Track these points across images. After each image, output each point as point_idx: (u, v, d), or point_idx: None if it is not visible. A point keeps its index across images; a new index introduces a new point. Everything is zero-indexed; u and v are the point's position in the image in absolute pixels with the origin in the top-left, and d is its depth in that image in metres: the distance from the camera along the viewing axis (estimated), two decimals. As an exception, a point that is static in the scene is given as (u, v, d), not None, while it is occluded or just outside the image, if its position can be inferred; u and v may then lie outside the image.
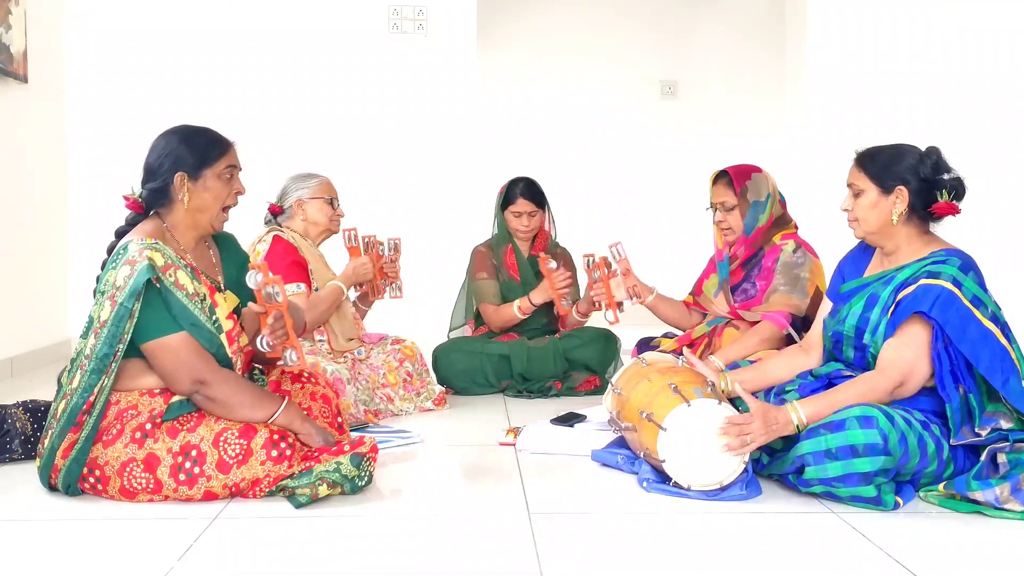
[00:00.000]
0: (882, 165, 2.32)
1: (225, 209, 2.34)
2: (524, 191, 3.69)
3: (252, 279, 2.18)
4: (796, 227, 3.12)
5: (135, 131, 4.42)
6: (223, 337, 2.27)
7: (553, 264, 3.51)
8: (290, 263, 3.07)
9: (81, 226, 4.78)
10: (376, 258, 3.37)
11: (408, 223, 5.03)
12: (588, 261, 3.32)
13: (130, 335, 2.14)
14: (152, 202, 2.31)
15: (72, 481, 2.18)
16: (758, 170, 3.08)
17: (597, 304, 3.32)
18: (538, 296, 3.62)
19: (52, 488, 2.24)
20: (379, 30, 5.02)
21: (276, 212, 3.27)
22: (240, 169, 2.37)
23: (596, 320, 4.11)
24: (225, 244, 2.47)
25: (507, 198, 3.73)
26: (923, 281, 2.21)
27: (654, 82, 6.64)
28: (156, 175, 2.27)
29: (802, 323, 2.96)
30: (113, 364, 2.14)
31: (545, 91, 6.59)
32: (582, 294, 3.56)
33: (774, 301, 2.97)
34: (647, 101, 6.64)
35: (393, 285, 3.43)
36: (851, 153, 2.42)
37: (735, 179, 3.03)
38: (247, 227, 3.27)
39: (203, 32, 4.92)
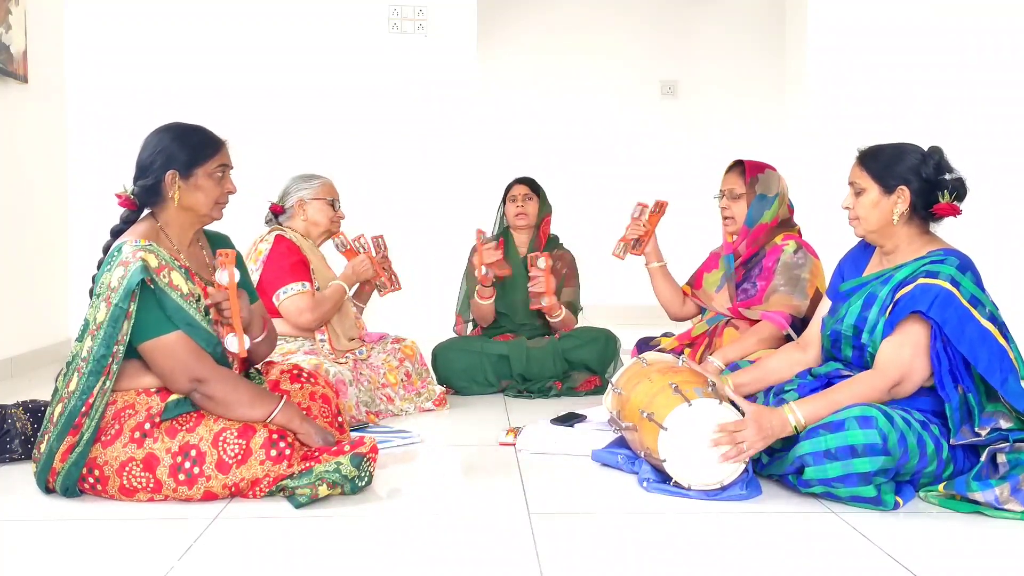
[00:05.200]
0: (884, 164, 2.31)
1: (218, 204, 2.33)
2: (520, 179, 3.86)
3: (220, 276, 2.23)
4: (800, 231, 3.13)
5: (135, 131, 4.36)
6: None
7: (541, 263, 3.54)
8: (295, 262, 3.08)
9: (81, 226, 4.79)
10: (369, 257, 3.42)
11: (408, 223, 5.04)
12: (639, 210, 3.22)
13: (128, 336, 2.13)
14: (144, 200, 2.30)
15: (71, 483, 2.17)
16: (773, 169, 3.12)
17: (627, 242, 3.23)
18: (490, 270, 3.59)
19: (49, 491, 2.23)
20: (379, 30, 5.02)
21: (277, 212, 3.29)
22: (232, 168, 2.36)
23: (595, 320, 4.11)
24: (218, 245, 2.44)
25: (507, 191, 3.86)
26: (921, 280, 2.21)
27: (654, 82, 6.63)
28: (148, 172, 2.26)
29: (801, 324, 2.96)
30: (113, 365, 2.13)
31: (545, 91, 6.59)
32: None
33: (774, 301, 2.98)
34: (647, 101, 6.64)
35: (392, 278, 3.52)
36: (851, 153, 2.42)
37: (748, 169, 3.07)
38: (246, 227, 3.28)
39: (203, 32, 4.92)
